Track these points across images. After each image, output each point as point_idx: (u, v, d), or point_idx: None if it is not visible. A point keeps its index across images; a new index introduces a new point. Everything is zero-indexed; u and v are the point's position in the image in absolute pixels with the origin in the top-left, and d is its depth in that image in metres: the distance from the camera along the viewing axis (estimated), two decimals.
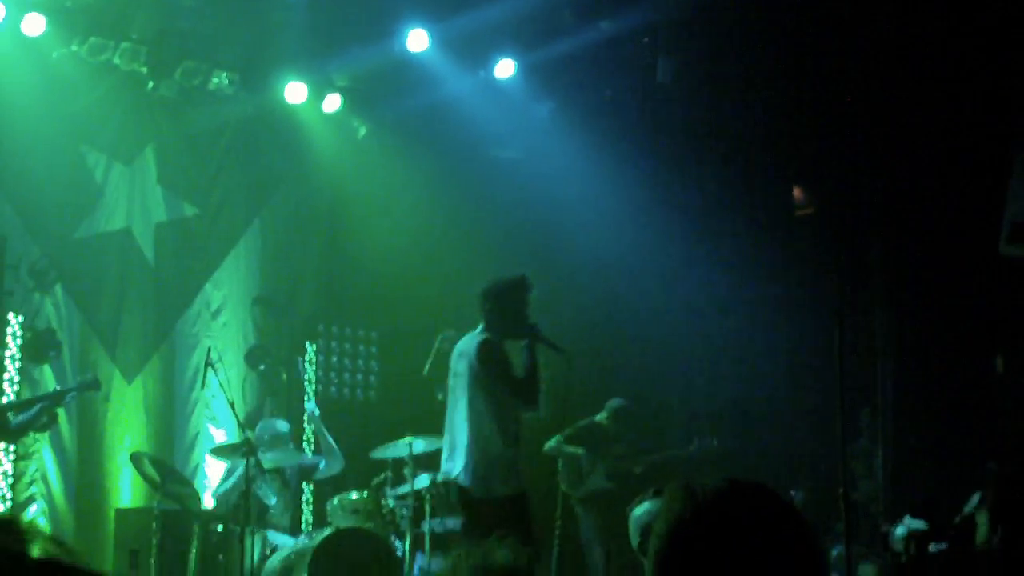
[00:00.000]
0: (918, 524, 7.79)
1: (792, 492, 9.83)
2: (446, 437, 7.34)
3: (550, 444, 10.51)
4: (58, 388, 9.08)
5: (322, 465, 9.39)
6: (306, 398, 9.95)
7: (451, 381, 7.30)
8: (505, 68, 10.72)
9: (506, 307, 7.10)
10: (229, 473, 9.12)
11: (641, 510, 4.58)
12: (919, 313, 10.07)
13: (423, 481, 8.87)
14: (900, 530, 7.94)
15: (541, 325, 7.29)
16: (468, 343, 7.15)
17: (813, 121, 10.60)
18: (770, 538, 2.01)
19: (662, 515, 2.04)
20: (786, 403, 10.77)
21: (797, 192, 11.45)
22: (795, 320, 10.48)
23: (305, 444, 10.69)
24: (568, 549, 9.88)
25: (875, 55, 9.92)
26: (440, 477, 7.39)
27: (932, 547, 7.56)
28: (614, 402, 10.46)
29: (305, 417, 9.65)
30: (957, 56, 9.45)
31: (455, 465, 7.13)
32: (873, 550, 9.28)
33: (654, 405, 11.34)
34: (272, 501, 8.94)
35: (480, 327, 7.20)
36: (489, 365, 6.99)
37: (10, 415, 8.51)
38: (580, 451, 10.18)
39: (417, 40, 10.18)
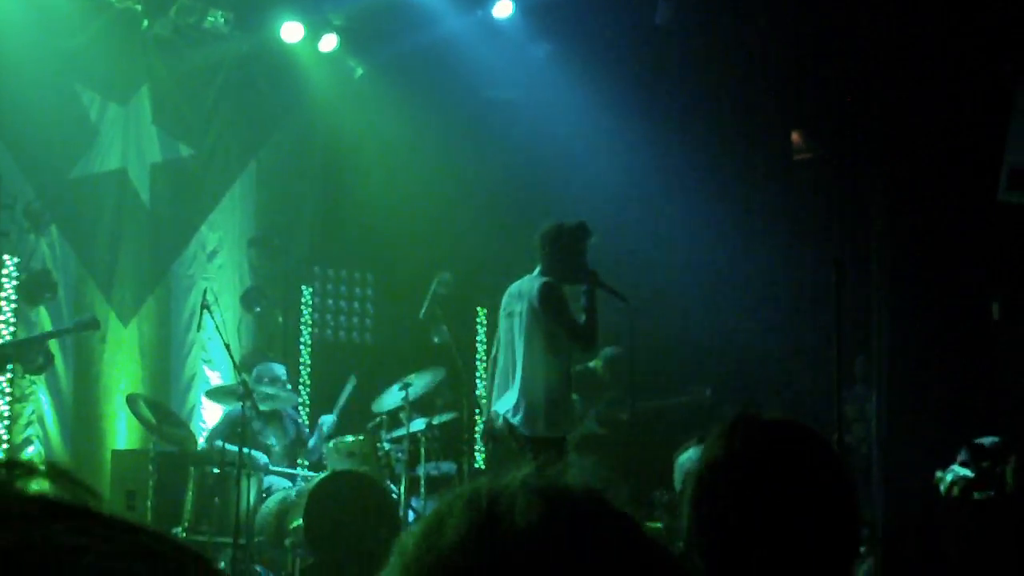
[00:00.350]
0: (965, 472, 7.83)
1: None
2: (498, 378, 7.34)
3: None
4: (56, 328, 9.08)
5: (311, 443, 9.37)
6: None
7: (504, 322, 7.32)
8: (503, 8, 10.63)
9: (567, 251, 7.14)
10: (226, 416, 9.15)
11: (684, 456, 4.70)
12: (916, 258, 10.04)
13: (418, 424, 8.91)
14: (949, 476, 7.98)
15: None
16: (528, 284, 7.16)
17: (811, 66, 10.51)
18: (804, 481, 2.04)
19: (699, 458, 2.08)
20: (784, 344, 10.76)
21: (796, 136, 11.38)
22: (794, 262, 10.45)
23: (301, 388, 10.72)
24: None
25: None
26: (495, 415, 7.33)
27: (976, 495, 7.58)
28: (607, 350, 10.47)
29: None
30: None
31: (508, 404, 7.13)
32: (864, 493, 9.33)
33: (653, 342, 11.35)
34: (272, 442, 9.00)
35: (538, 270, 7.22)
36: (551, 307, 7.01)
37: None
38: (573, 396, 10.22)
39: None
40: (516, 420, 7.08)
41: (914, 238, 9.95)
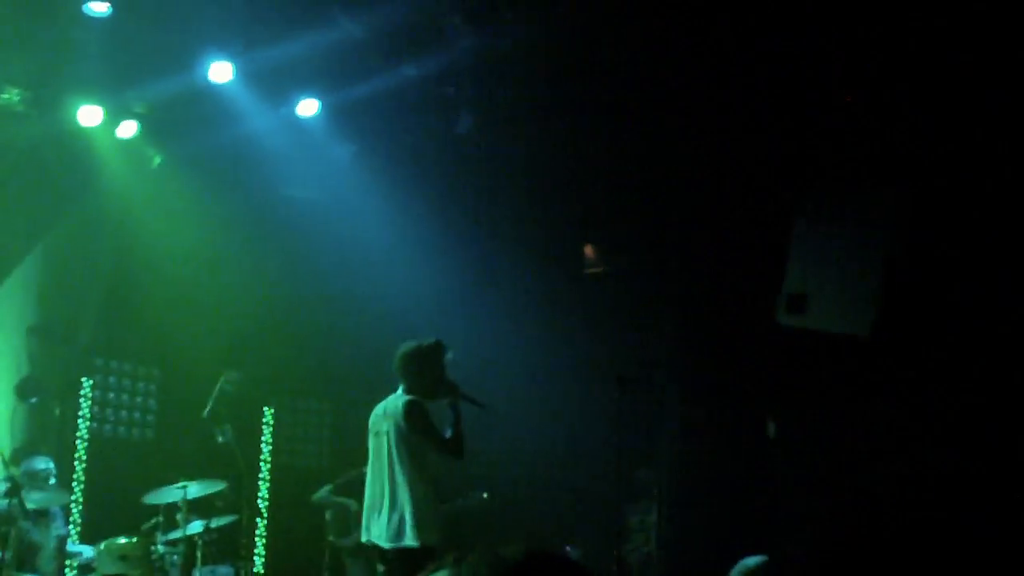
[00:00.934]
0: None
1: (568, 548, 9.94)
2: (368, 499, 7.54)
3: (319, 495, 10.52)
4: None
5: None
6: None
7: (373, 441, 7.57)
8: (308, 107, 10.60)
9: (427, 369, 7.49)
10: None
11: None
12: (702, 376, 10.33)
13: (196, 527, 8.63)
14: None
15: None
16: (392, 404, 7.46)
17: (606, 182, 10.80)
18: None
19: None
20: (572, 454, 10.89)
21: (588, 250, 11.65)
22: (581, 377, 10.62)
23: (75, 484, 10.26)
24: None
25: (668, 113, 10.17)
26: (368, 538, 7.44)
27: None
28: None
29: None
30: (746, 119, 9.77)
31: (380, 527, 7.30)
32: None
33: None
34: (37, 541, 8.58)
35: (401, 388, 7.50)
36: (416, 424, 7.31)
37: None
38: (350, 501, 10.22)
39: (220, 71, 9.97)
40: (387, 536, 7.27)
41: (702, 354, 10.25)
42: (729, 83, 9.52)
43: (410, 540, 7.22)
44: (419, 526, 7.24)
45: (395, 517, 7.28)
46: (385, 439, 7.41)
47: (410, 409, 7.32)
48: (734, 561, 8.13)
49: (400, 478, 7.31)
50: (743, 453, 9.88)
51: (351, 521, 10.19)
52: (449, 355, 7.59)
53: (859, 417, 9.25)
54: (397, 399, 7.45)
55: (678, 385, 10.45)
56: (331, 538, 10.35)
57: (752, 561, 5.30)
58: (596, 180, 10.83)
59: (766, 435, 9.70)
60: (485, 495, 10.46)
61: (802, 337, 9.40)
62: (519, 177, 11.13)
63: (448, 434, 7.37)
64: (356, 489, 10.26)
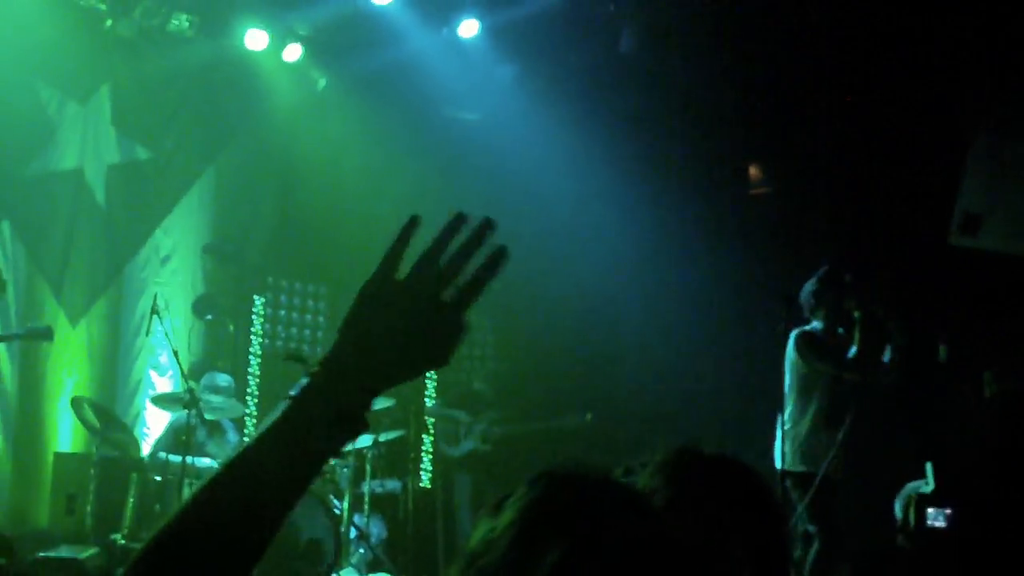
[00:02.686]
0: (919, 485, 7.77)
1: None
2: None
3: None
4: (6, 332, 8.98)
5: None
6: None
7: None
8: (469, 28, 10.63)
9: (826, 298, 7.76)
10: (171, 424, 9.07)
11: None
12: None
13: (365, 440, 8.87)
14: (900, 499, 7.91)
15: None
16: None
17: (773, 100, 10.59)
18: (747, 515, 2.08)
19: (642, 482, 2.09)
20: (732, 379, 10.81)
21: (754, 170, 11.46)
22: (746, 298, 10.51)
23: (249, 399, 10.64)
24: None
25: (838, 36, 9.91)
26: None
27: (931, 512, 7.55)
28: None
29: None
30: (916, 38, 9.46)
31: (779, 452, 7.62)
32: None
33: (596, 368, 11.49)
34: (213, 453, 8.91)
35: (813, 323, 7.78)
36: (808, 355, 7.62)
37: None
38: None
39: None
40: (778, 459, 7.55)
41: (867, 277, 10.05)
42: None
43: (790, 464, 7.55)
44: (799, 451, 7.57)
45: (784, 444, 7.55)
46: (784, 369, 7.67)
47: (798, 340, 7.59)
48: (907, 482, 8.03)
49: (786, 405, 7.61)
50: (913, 375, 9.69)
51: (459, 432, 10.45)
52: (848, 277, 7.75)
53: None
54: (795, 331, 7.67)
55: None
56: (441, 448, 10.67)
57: (918, 485, 5.23)
58: (761, 98, 10.62)
59: (937, 358, 9.48)
60: (588, 416, 10.51)
61: (975, 258, 9.13)
62: (682, 96, 10.98)
63: (851, 352, 7.51)
64: (466, 402, 10.54)
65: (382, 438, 9.10)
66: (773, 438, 7.62)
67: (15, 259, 9.64)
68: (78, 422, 8.90)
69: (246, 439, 9.51)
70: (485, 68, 10.97)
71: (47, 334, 8.66)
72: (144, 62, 10.33)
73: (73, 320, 9.92)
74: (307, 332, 11.40)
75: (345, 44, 10.79)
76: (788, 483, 7.55)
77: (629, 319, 10.86)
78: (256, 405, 10.69)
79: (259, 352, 10.93)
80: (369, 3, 10.14)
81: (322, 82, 11.23)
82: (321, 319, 11.49)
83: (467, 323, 1.55)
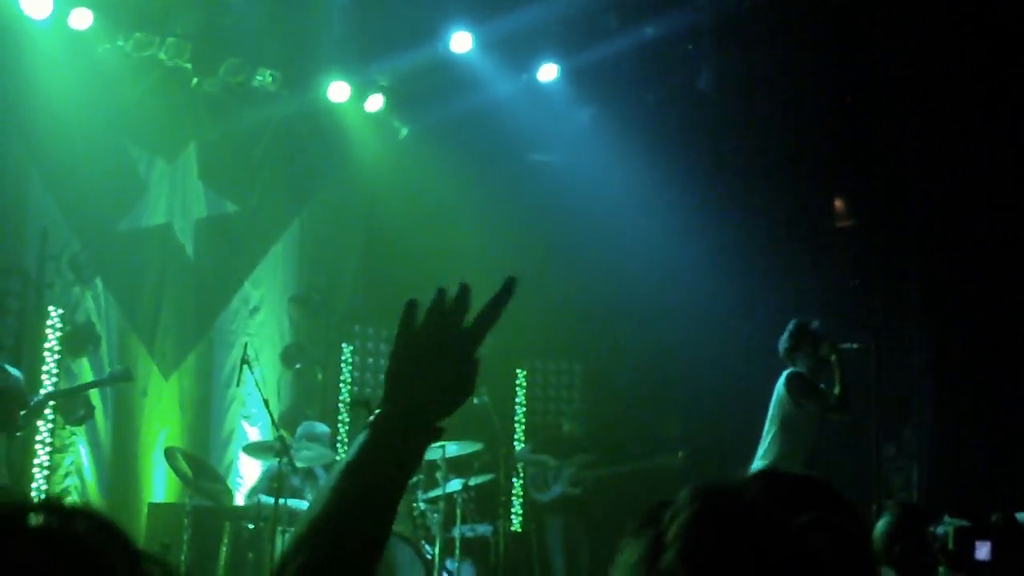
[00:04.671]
0: (960, 522, 7.63)
1: None
2: None
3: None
4: (91, 380, 9.15)
5: None
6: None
7: None
8: (548, 72, 10.70)
9: (801, 347, 8.10)
10: (265, 472, 9.15)
11: None
12: (958, 327, 9.96)
13: (455, 485, 8.87)
14: (941, 529, 7.77)
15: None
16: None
17: (855, 132, 10.50)
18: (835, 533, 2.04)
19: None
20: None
21: (838, 203, 11.34)
22: (834, 333, 10.37)
23: (340, 446, 10.70)
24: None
25: (919, 63, 9.81)
26: None
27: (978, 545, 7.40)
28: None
29: None
30: (1004, 68, 9.34)
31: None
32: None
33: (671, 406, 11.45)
34: (309, 499, 8.95)
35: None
36: (798, 394, 7.93)
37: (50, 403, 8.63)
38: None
39: (461, 42, 10.18)
40: None
41: (956, 306, 9.88)
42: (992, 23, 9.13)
43: None
44: None
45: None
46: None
47: (788, 380, 7.92)
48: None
49: (765, 442, 7.94)
50: (1003, 408, 9.48)
51: (548, 477, 10.40)
52: (815, 324, 8.08)
53: None
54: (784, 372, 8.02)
55: (934, 336, 10.09)
56: (531, 493, 10.62)
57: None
58: (844, 131, 10.53)
59: None
60: (680, 455, 10.39)
61: None
62: (764, 133, 10.92)
63: (836, 392, 7.88)
64: (553, 446, 10.50)
65: (472, 482, 9.09)
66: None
67: (108, 315, 9.83)
68: (172, 472, 9.02)
69: None
70: (564, 110, 11.03)
71: (127, 375, 8.79)
72: (230, 118, 10.53)
73: (166, 373, 10.08)
74: None
75: (425, 93, 10.91)
76: None
77: (716, 358, 10.76)
78: (346, 452, 10.74)
79: (348, 400, 11.00)
80: (448, 51, 10.25)
81: (404, 131, 11.36)
82: None
83: (477, 357, 1.89)
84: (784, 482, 2.10)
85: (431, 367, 1.85)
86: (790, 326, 8.08)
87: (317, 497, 1.77)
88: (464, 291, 1.96)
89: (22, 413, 7.73)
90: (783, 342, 8.05)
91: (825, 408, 7.89)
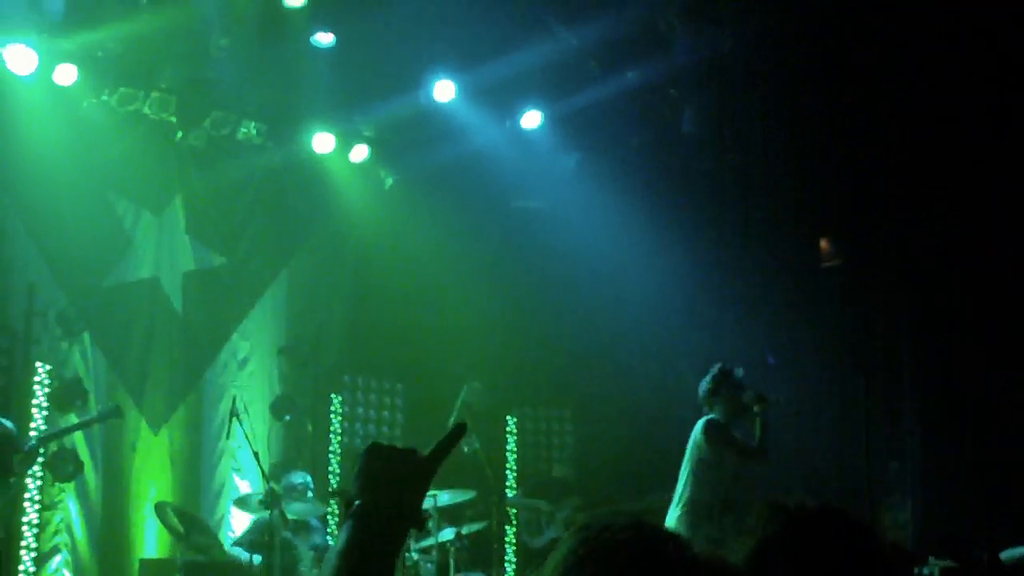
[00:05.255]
0: (946, 563, 7.62)
1: None
2: None
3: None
4: (81, 420, 9.10)
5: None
6: None
7: None
8: (532, 119, 10.76)
9: (721, 391, 7.98)
10: (255, 523, 9.10)
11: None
12: (947, 365, 9.98)
13: (447, 534, 8.83)
14: (927, 571, 7.75)
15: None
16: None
17: (840, 170, 10.56)
18: (857, 561, 2.03)
19: (751, 533, 2.05)
20: (810, 450, 10.66)
21: (824, 244, 11.39)
22: (823, 372, 10.40)
23: (332, 501, 10.65)
24: None
25: (902, 101, 9.90)
26: None
27: None
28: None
29: None
30: (987, 106, 9.42)
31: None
32: None
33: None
34: (300, 551, 8.91)
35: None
36: (716, 441, 7.82)
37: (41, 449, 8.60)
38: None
39: (443, 90, 10.24)
40: None
41: (944, 343, 9.90)
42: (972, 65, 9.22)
43: None
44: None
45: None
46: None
47: (706, 426, 7.84)
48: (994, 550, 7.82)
49: (679, 487, 7.88)
50: (993, 442, 9.49)
51: (542, 522, 10.38)
52: (739, 372, 8.00)
53: None
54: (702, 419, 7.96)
55: (923, 374, 10.11)
56: (523, 538, 10.60)
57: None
58: (828, 172, 10.60)
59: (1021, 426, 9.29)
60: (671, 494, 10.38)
61: None
62: (748, 172, 10.99)
63: (755, 442, 7.83)
64: (546, 491, 10.47)
65: (464, 530, 9.05)
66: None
67: (96, 369, 9.79)
68: (163, 527, 8.97)
69: (329, 538, 9.53)
70: (549, 157, 11.08)
71: (116, 412, 8.77)
72: (215, 171, 10.54)
73: (155, 427, 10.03)
74: (385, 429, 11.40)
75: (410, 142, 10.97)
76: None
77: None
78: (337, 504, 10.69)
79: (338, 450, 10.96)
80: (432, 100, 10.30)
81: (389, 180, 11.40)
82: (399, 416, 11.50)
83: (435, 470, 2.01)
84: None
85: (396, 469, 1.97)
86: (713, 370, 8.02)
87: None
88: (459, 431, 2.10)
89: (17, 458, 7.73)
90: (704, 384, 7.98)
91: (743, 455, 7.81)
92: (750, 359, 10.73)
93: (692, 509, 7.72)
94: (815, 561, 2.01)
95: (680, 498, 7.84)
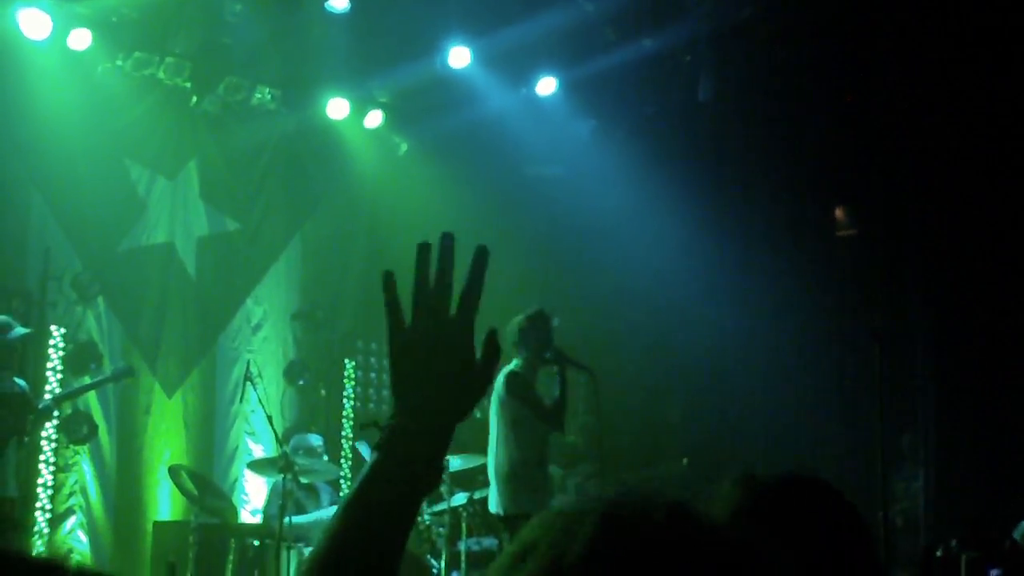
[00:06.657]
0: (971, 554, 7.59)
1: None
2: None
3: None
4: (95, 379, 9.14)
5: None
6: None
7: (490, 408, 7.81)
8: (547, 85, 10.72)
9: (531, 339, 7.57)
10: (272, 489, 9.14)
11: None
12: (961, 335, 9.96)
13: (460, 499, 8.86)
14: (940, 552, 7.73)
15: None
16: (499, 375, 7.53)
17: (856, 140, 10.51)
18: (829, 531, 2.01)
19: (719, 502, 2.02)
20: (823, 420, 10.66)
21: (839, 212, 11.34)
22: (836, 342, 10.38)
23: (343, 461, 10.70)
24: None
25: (919, 70, 9.83)
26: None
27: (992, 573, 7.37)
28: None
29: None
30: (1004, 74, 9.36)
31: (489, 488, 7.70)
32: (912, 572, 9.14)
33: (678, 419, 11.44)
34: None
35: (514, 361, 7.62)
36: (515, 392, 7.50)
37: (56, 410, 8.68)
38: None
39: (459, 57, 10.20)
40: (491, 504, 7.67)
41: (959, 315, 9.88)
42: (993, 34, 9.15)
43: (507, 507, 7.51)
44: (511, 493, 7.50)
45: (492, 482, 7.64)
46: (492, 407, 7.62)
47: (508, 380, 7.48)
48: (1007, 525, 7.82)
49: (497, 445, 7.58)
50: (1007, 412, 9.47)
51: (553, 487, 10.40)
52: (555, 322, 7.69)
53: None
54: (504, 369, 7.53)
55: (937, 345, 10.08)
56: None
57: None
58: (844, 140, 10.54)
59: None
60: (684, 461, 10.37)
61: None
62: (764, 141, 10.94)
63: (552, 404, 7.52)
64: (559, 455, 10.47)
65: (477, 495, 9.07)
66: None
67: (110, 334, 9.84)
68: (176, 490, 9.02)
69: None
70: (564, 124, 11.05)
71: (129, 372, 8.84)
72: (229, 136, 10.55)
73: (169, 391, 10.09)
74: None
75: (425, 108, 10.94)
76: (507, 529, 7.56)
77: (716, 368, 10.77)
78: (350, 468, 10.75)
79: (351, 415, 11.01)
80: (447, 67, 10.27)
81: (404, 146, 11.38)
82: None
83: (472, 342, 1.74)
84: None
85: (435, 363, 1.70)
86: (528, 311, 7.63)
87: (323, 532, 1.63)
88: (446, 250, 1.82)
89: (31, 417, 7.82)
90: (517, 322, 7.55)
91: (537, 414, 7.48)
92: (765, 328, 10.75)
93: (515, 467, 7.48)
94: (789, 529, 1.99)
95: (496, 454, 7.56)
